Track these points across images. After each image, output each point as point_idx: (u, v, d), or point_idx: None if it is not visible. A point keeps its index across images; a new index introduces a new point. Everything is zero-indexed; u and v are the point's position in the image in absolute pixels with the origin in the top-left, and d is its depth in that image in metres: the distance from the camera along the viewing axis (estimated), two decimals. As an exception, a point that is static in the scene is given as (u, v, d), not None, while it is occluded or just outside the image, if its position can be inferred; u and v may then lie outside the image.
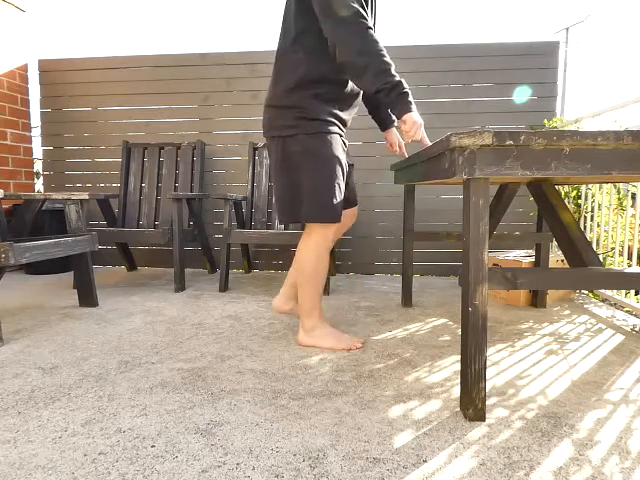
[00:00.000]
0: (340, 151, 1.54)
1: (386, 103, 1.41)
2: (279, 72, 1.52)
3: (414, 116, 1.40)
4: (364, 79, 1.37)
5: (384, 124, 1.89)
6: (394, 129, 1.89)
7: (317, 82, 1.48)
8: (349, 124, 1.64)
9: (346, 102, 1.57)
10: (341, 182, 1.53)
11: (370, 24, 1.35)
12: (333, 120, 1.52)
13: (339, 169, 1.52)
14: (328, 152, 1.49)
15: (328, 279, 2.58)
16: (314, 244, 1.58)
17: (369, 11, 1.47)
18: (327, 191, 1.49)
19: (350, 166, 1.72)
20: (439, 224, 3.22)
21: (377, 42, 1.35)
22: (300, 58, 1.47)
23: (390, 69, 1.35)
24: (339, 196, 1.52)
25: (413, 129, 1.41)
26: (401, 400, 1.24)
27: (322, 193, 1.49)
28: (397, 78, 1.36)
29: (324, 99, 1.50)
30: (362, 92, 1.66)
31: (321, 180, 1.49)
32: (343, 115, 1.57)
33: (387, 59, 1.35)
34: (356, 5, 1.34)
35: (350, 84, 1.56)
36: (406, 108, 1.38)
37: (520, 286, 1.15)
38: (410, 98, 1.39)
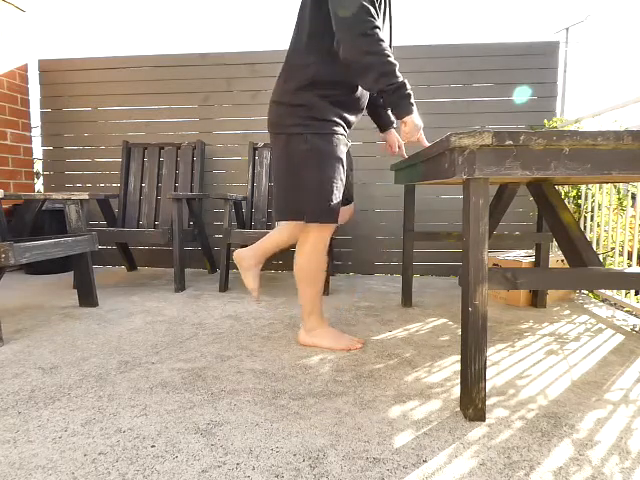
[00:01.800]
0: (343, 152, 1.54)
1: (388, 103, 1.42)
2: (290, 70, 1.52)
3: (415, 118, 1.41)
4: (368, 78, 1.37)
5: (383, 125, 1.89)
6: (393, 130, 1.89)
7: (328, 84, 1.48)
8: (353, 126, 1.64)
9: (354, 106, 1.58)
10: (341, 184, 1.54)
11: (377, 23, 1.34)
12: (340, 121, 1.53)
13: (341, 170, 1.53)
14: (333, 153, 1.49)
15: (328, 279, 2.58)
16: (312, 245, 1.58)
17: (380, 12, 1.45)
18: (328, 191, 1.49)
19: (350, 163, 1.72)
20: (439, 224, 3.22)
21: (382, 41, 1.34)
22: (313, 58, 1.47)
23: (394, 70, 1.35)
24: (338, 197, 1.52)
25: (413, 131, 1.42)
26: (401, 400, 1.24)
27: (323, 193, 1.49)
28: (401, 79, 1.36)
29: (333, 101, 1.50)
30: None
31: (323, 180, 1.49)
32: (350, 118, 1.58)
33: (391, 59, 1.35)
34: (366, 3, 1.33)
35: (360, 89, 1.56)
36: (408, 110, 1.39)
37: (520, 286, 1.15)
38: (412, 100, 1.39)
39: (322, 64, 1.46)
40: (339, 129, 1.52)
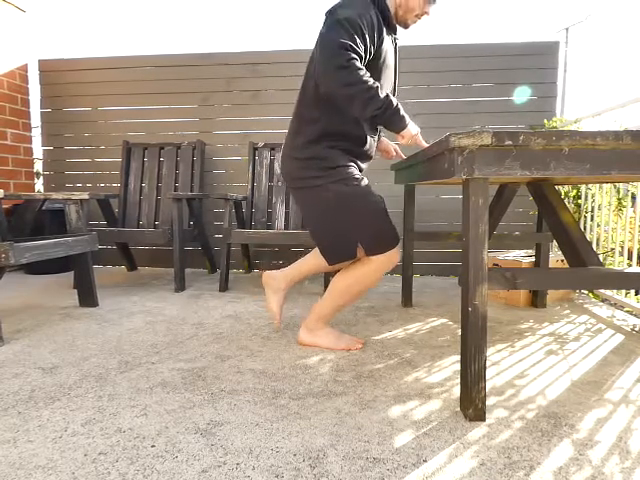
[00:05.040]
0: (367, 184, 1.53)
1: (382, 124, 1.43)
2: (299, 123, 1.53)
3: (411, 129, 1.43)
4: (354, 108, 1.38)
5: None
6: (384, 138, 1.89)
7: (336, 136, 1.49)
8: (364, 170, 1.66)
9: (364, 154, 1.59)
10: (384, 209, 1.51)
11: (355, 56, 1.32)
12: (352, 165, 1.54)
13: (375, 199, 1.50)
14: (359, 191, 1.48)
15: (328, 279, 2.58)
16: (375, 269, 1.53)
17: (373, 46, 1.43)
18: (379, 224, 1.48)
19: None
20: (439, 224, 3.22)
21: (360, 70, 1.32)
22: (319, 114, 1.48)
23: (377, 94, 1.34)
24: (389, 223, 1.51)
25: (411, 141, 1.46)
26: (401, 400, 1.25)
27: (376, 228, 1.48)
28: (385, 100, 1.35)
29: (343, 149, 1.52)
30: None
31: (368, 218, 1.48)
32: (361, 165, 1.60)
33: (370, 83, 1.33)
34: (344, 40, 1.31)
35: (369, 141, 1.57)
36: (401, 125, 1.41)
37: (520, 286, 1.15)
38: (402, 112, 1.40)
39: (328, 119, 1.48)
40: (355, 170, 1.53)
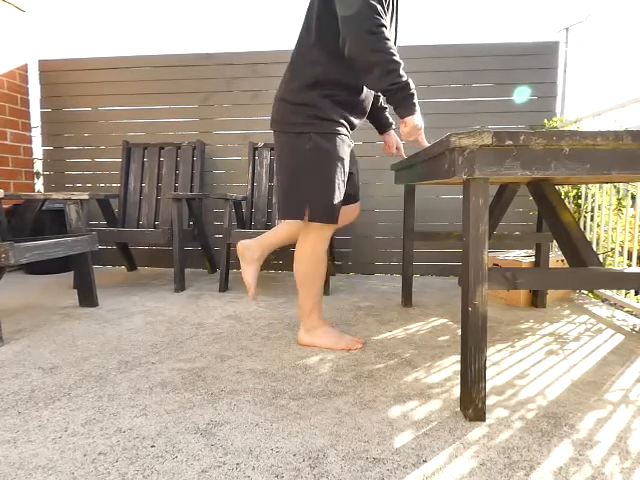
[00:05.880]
0: (346, 153, 1.54)
1: (391, 102, 1.41)
2: (296, 68, 1.51)
3: (416, 119, 1.41)
4: (372, 76, 1.36)
5: (382, 126, 1.88)
6: (392, 131, 1.89)
7: (333, 84, 1.48)
8: (356, 128, 1.64)
9: (358, 108, 1.57)
10: (342, 184, 1.53)
11: (383, 22, 1.33)
12: (343, 122, 1.52)
13: (342, 171, 1.52)
14: (335, 153, 1.49)
15: (328, 279, 2.58)
16: (312, 245, 1.58)
17: (388, 12, 1.44)
18: (329, 191, 1.49)
19: (355, 163, 1.72)
20: (439, 224, 3.22)
21: (388, 40, 1.33)
22: (319, 58, 1.46)
23: (399, 69, 1.34)
24: (339, 197, 1.52)
25: (412, 131, 1.42)
26: (401, 400, 1.24)
27: (324, 193, 1.49)
28: (405, 78, 1.35)
29: (337, 101, 1.50)
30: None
31: (325, 180, 1.49)
32: (353, 120, 1.57)
33: (396, 58, 1.34)
34: (372, 1, 1.31)
35: (365, 92, 1.56)
36: (410, 110, 1.39)
37: (520, 286, 1.15)
38: (415, 100, 1.39)
39: (328, 64, 1.46)
40: (342, 129, 1.52)
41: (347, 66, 1.44)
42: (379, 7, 1.33)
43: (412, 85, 1.37)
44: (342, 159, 1.51)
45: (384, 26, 1.33)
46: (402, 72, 1.35)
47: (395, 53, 1.34)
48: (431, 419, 1.14)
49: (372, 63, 1.34)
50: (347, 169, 1.56)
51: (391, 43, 1.34)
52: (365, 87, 1.55)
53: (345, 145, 1.53)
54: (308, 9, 1.50)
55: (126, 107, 3.44)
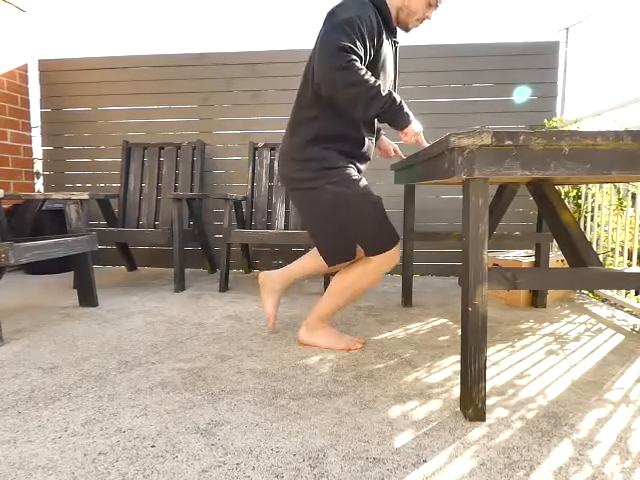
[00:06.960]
0: (365, 184, 1.52)
1: (385, 121, 1.42)
2: (296, 124, 1.52)
3: (414, 126, 1.42)
4: (358, 109, 1.37)
5: (375, 139, 1.88)
6: (383, 137, 1.89)
7: (332, 138, 1.49)
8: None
9: (362, 157, 1.58)
10: (383, 209, 1.50)
11: (354, 57, 1.31)
12: (351, 166, 1.53)
13: (374, 199, 1.49)
14: (358, 191, 1.47)
15: (328, 279, 2.58)
16: (375, 268, 1.52)
17: (382, 49, 1.44)
18: (379, 224, 1.48)
19: None
20: (439, 224, 3.22)
21: (360, 70, 1.31)
22: (317, 113, 1.47)
23: (379, 92, 1.33)
24: (388, 222, 1.50)
25: (414, 139, 1.45)
26: (401, 400, 1.24)
27: (376, 228, 1.48)
28: (388, 97, 1.35)
29: (341, 151, 1.50)
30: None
31: (367, 218, 1.47)
32: (359, 166, 1.58)
33: (371, 81, 1.32)
34: (343, 42, 1.30)
35: (367, 143, 1.56)
36: (405, 121, 1.40)
37: (520, 286, 1.15)
38: (406, 109, 1.40)
39: (327, 119, 1.47)
40: (353, 171, 1.51)
41: (344, 119, 1.46)
42: (351, 45, 1.31)
43: (397, 97, 1.37)
44: (365, 193, 1.48)
45: (355, 60, 1.31)
46: (383, 92, 1.34)
47: (369, 78, 1.32)
48: (431, 419, 1.14)
49: (352, 97, 1.33)
50: (369, 189, 1.52)
51: (364, 71, 1.32)
52: (366, 139, 1.55)
53: (361, 180, 1.51)
54: (306, 65, 1.51)
55: (126, 107, 3.44)
